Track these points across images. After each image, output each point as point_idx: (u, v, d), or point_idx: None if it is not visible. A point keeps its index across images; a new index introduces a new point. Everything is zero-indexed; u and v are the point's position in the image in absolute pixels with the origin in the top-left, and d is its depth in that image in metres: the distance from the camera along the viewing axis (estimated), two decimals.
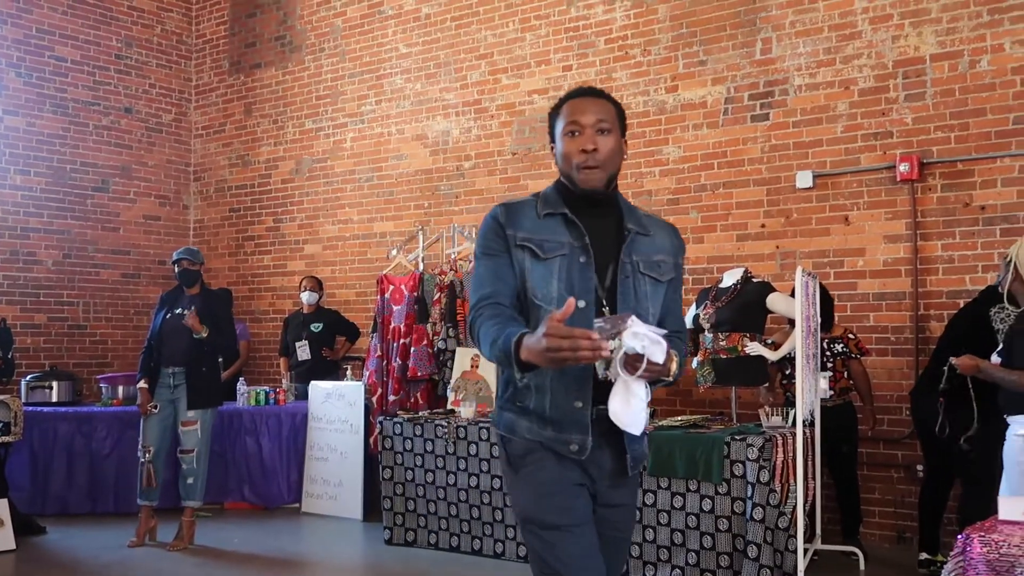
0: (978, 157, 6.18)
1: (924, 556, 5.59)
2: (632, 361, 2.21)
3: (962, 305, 5.70)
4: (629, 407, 2.31)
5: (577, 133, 2.52)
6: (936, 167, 6.32)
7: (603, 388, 2.37)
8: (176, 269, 6.51)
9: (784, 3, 6.91)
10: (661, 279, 2.59)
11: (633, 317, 2.20)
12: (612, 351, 2.19)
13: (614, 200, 2.61)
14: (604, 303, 2.49)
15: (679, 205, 7.25)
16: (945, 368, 4.77)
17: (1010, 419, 4.26)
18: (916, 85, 6.41)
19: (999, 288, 4.50)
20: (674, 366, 2.36)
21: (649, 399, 2.36)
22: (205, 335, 6.24)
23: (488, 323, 2.40)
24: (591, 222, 2.53)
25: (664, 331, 2.23)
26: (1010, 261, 4.34)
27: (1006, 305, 4.41)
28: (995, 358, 4.36)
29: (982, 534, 2.97)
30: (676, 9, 7.38)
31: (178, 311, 6.34)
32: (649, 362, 2.20)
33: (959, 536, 3.01)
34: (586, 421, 2.46)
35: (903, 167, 6.31)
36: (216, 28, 10.36)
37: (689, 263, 6.79)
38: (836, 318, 6.22)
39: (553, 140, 2.63)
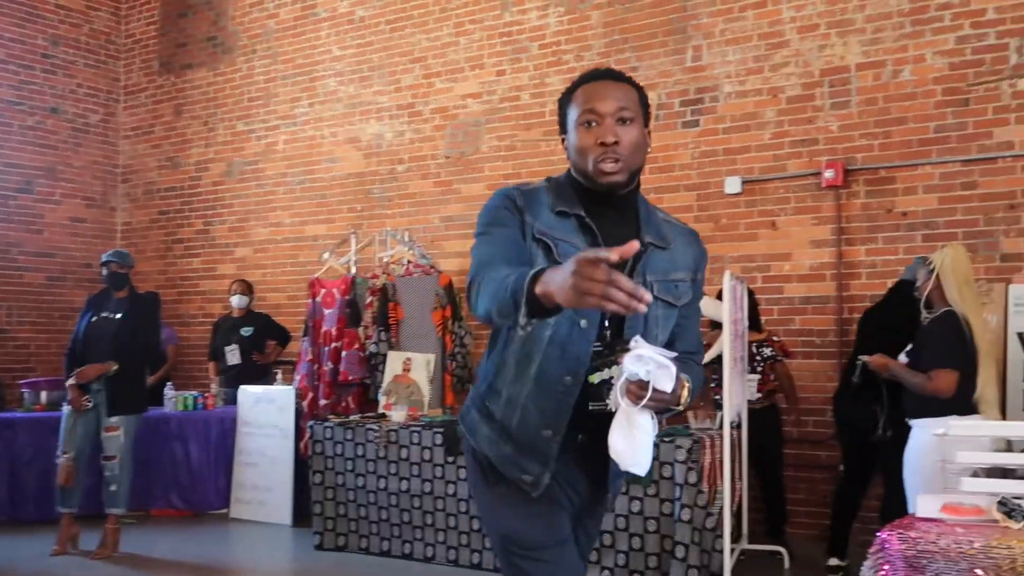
0: (900, 164, 6.33)
1: (835, 562, 5.61)
2: (635, 389, 1.93)
3: (870, 306, 5.83)
4: (632, 441, 2.01)
5: (594, 123, 2.16)
6: (860, 174, 6.46)
7: (587, 418, 2.14)
8: (104, 272, 6.36)
9: (714, 11, 7.01)
10: (675, 303, 2.27)
11: (638, 338, 1.96)
12: (612, 378, 1.98)
13: (633, 202, 2.27)
14: (607, 324, 2.15)
15: None
16: (858, 363, 4.88)
17: (912, 422, 4.38)
18: (841, 94, 6.54)
19: (915, 292, 4.60)
20: (685, 393, 2.04)
21: (656, 432, 2.05)
22: (115, 368, 6.10)
23: (499, 271, 1.96)
24: (607, 228, 2.19)
25: (673, 354, 1.95)
26: (933, 269, 4.44)
27: (924, 313, 4.52)
28: (903, 358, 4.48)
29: (900, 531, 3.04)
30: (609, 16, 7.45)
31: (104, 315, 6.21)
32: (655, 390, 1.92)
33: (878, 533, 3.07)
34: (550, 453, 2.20)
35: (828, 174, 6.43)
36: (146, 28, 10.19)
37: None
38: (763, 321, 6.33)
39: (564, 131, 2.27)
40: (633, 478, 5.22)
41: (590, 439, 2.20)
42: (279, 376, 7.82)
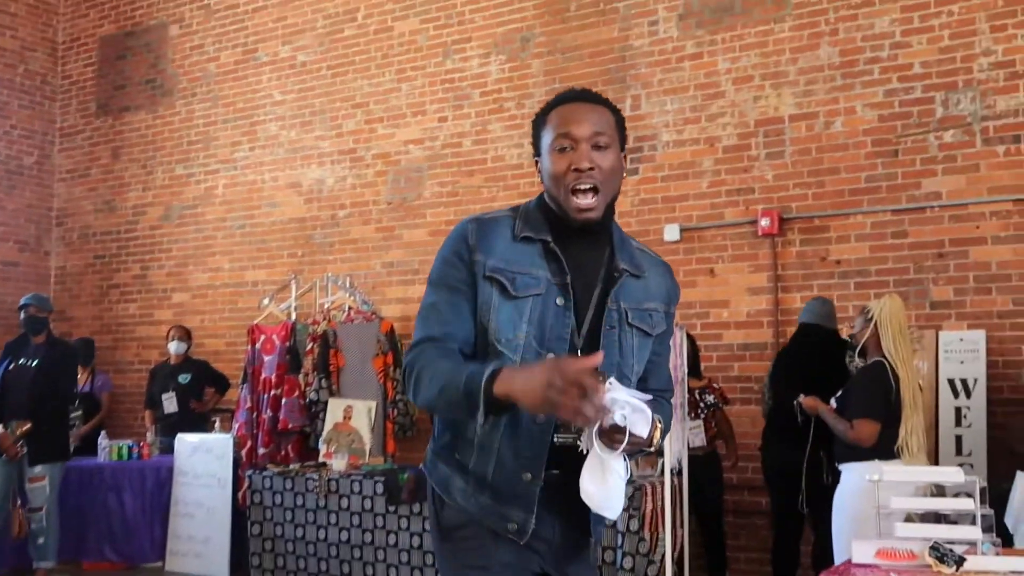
0: (833, 213, 6.48)
1: None
2: (611, 434, 1.87)
3: (779, 352, 5.94)
4: (605, 485, 1.94)
5: (569, 148, 2.09)
6: (795, 222, 6.59)
7: (560, 452, 2.06)
8: (22, 315, 6.23)
9: (652, 62, 7.15)
10: (651, 332, 2.20)
11: (612, 380, 1.88)
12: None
13: (607, 228, 2.19)
14: (580, 355, 2.06)
15: None
16: (796, 403, 4.97)
17: (840, 466, 4.48)
18: (776, 144, 6.69)
19: (851, 338, 4.70)
20: (657, 435, 1.99)
21: (629, 475, 2.00)
22: (27, 427, 5.96)
23: (440, 362, 1.99)
24: (576, 254, 2.13)
25: (648, 396, 1.90)
26: (871, 318, 4.53)
27: (855, 357, 4.62)
28: (833, 403, 4.60)
29: None
30: (550, 64, 7.55)
31: (21, 361, 6.07)
32: (631, 435, 1.87)
33: None
34: (532, 498, 2.08)
35: (764, 222, 6.56)
36: (83, 69, 10.07)
37: None
38: (702, 368, 6.39)
39: (538, 154, 2.20)
40: None
41: (560, 476, 2.10)
42: (217, 424, 7.69)
